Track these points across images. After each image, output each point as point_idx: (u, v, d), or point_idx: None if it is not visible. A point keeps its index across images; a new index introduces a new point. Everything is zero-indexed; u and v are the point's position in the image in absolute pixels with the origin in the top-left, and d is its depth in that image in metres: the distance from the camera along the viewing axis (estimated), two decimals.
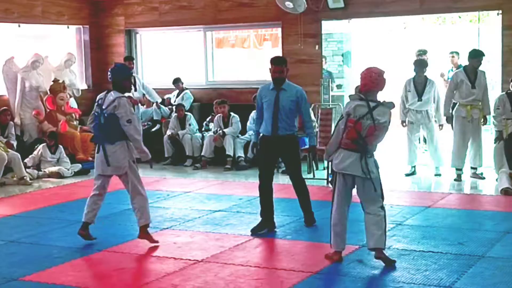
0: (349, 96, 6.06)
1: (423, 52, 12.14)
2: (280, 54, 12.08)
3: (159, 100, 12.45)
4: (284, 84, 7.19)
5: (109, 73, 6.69)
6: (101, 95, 6.70)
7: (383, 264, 5.83)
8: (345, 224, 5.94)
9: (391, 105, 5.83)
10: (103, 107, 6.54)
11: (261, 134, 7.33)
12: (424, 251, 6.24)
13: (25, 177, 10.25)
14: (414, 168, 10.30)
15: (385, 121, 5.76)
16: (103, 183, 6.87)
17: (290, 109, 7.11)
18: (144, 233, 6.70)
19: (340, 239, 5.94)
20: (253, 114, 11.74)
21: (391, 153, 11.41)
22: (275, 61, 7.27)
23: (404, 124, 10.29)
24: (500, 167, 9.36)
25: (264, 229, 7.08)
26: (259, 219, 7.24)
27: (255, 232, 7.01)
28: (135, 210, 6.73)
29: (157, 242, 6.69)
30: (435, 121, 10.34)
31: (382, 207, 5.87)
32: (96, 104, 6.71)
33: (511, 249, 6.27)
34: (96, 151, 6.79)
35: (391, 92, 15.61)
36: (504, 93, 9.70)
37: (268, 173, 7.30)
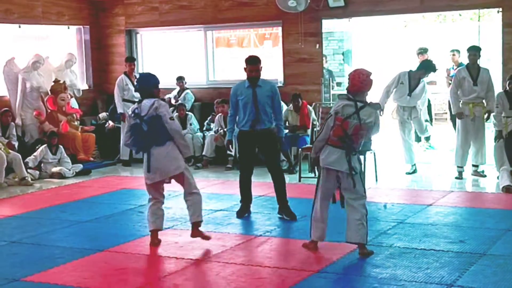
0: (338, 96, 6.20)
1: (424, 50, 12.14)
2: (281, 53, 12.13)
3: None
4: (259, 81, 7.61)
5: (136, 83, 6.71)
6: (134, 106, 6.61)
7: (384, 263, 5.83)
8: (326, 217, 6.21)
9: (377, 106, 6.21)
10: (142, 115, 6.42)
11: (237, 130, 7.80)
12: (426, 249, 6.23)
13: (26, 178, 10.26)
14: (415, 167, 10.28)
15: (371, 121, 6.01)
16: (159, 189, 6.78)
17: (267, 103, 7.55)
18: (196, 231, 6.66)
19: (321, 231, 6.21)
20: None
21: (392, 151, 11.41)
22: (250, 61, 7.69)
23: (382, 112, 9.77)
24: (501, 165, 9.36)
25: (245, 215, 7.76)
26: (260, 218, 7.37)
27: (239, 216, 7.72)
28: (188, 206, 6.72)
29: (209, 238, 6.66)
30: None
31: (364, 206, 6.07)
32: (131, 116, 6.52)
33: None
34: (145, 163, 6.63)
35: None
36: (502, 91, 9.71)
37: (249, 166, 7.85)
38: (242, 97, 7.58)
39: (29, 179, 10.32)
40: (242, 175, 7.84)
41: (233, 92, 7.73)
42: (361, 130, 5.97)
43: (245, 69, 7.67)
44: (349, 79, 6.12)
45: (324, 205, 6.20)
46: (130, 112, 6.64)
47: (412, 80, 10.09)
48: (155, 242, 6.61)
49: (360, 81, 5.98)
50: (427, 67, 10.25)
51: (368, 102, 6.02)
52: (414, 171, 10.24)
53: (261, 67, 7.68)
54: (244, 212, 7.80)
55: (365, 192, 6.14)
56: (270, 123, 7.63)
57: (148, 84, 6.58)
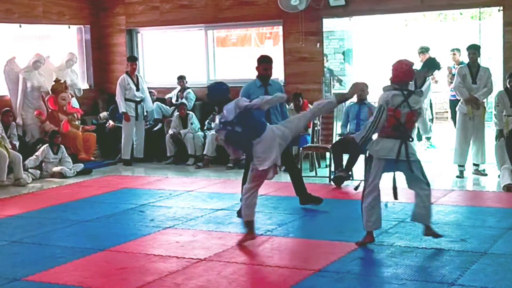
0: (383, 88, 6.32)
1: (425, 49, 12.13)
2: (282, 52, 12.12)
3: (150, 109, 12.39)
4: (270, 80, 7.80)
5: (208, 95, 6.67)
6: (218, 117, 6.51)
7: (385, 262, 5.83)
8: (380, 204, 6.33)
9: (421, 93, 6.46)
10: (230, 119, 6.33)
11: None
12: (427, 248, 6.23)
13: (21, 179, 10.22)
14: None
15: (420, 107, 6.29)
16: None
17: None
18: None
19: (376, 218, 6.27)
20: None
21: None
22: (263, 59, 7.81)
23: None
24: (502, 163, 9.35)
25: None
26: (261, 217, 7.32)
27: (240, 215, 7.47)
28: None
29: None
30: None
31: (427, 184, 6.31)
32: (220, 125, 6.41)
33: None
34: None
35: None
36: (502, 89, 9.70)
37: None
38: (255, 96, 7.34)
39: (28, 180, 10.29)
40: (246, 174, 7.74)
41: (245, 92, 7.68)
42: (413, 117, 6.18)
43: (257, 68, 7.77)
44: (392, 70, 6.28)
45: (377, 194, 6.28)
46: (214, 125, 6.60)
47: (418, 80, 10.02)
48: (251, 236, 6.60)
49: (402, 72, 6.21)
50: (430, 65, 10.25)
51: (413, 90, 6.28)
52: None
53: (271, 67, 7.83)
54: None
55: (424, 176, 6.30)
56: (278, 122, 7.59)
57: (221, 97, 6.52)
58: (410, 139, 6.20)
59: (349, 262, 5.87)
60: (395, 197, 6.37)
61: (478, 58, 9.77)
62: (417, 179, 6.26)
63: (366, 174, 6.37)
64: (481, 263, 5.76)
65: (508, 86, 9.57)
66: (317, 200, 7.98)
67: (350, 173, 9.44)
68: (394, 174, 6.33)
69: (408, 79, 6.28)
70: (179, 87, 12.56)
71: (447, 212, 7.73)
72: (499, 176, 9.25)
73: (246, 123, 6.32)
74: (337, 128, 10.37)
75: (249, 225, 6.61)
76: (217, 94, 6.59)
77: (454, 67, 12.31)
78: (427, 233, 6.37)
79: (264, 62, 7.79)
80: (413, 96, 6.18)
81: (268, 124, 6.56)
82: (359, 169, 9.38)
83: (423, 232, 6.39)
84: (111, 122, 12.53)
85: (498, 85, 9.99)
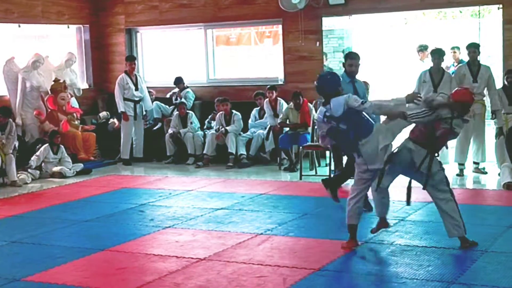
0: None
1: (424, 47, 12.12)
2: (281, 51, 12.11)
3: (149, 109, 12.36)
4: (355, 77, 7.63)
5: (318, 84, 6.29)
6: (323, 109, 6.18)
7: (385, 261, 5.82)
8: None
9: (466, 121, 6.29)
10: (337, 114, 6.03)
11: None
12: (427, 246, 6.22)
13: (16, 181, 10.14)
14: None
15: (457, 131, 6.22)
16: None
17: (363, 98, 7.09)
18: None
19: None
20: (254, 111, 11.76)
21: None
22: (348, 55, 7.68)
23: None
24: (502, 161, 9.34)
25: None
26: (262, 216, 7.29)
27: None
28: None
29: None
30: None
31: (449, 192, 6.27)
32: (324, 118, 6.14)
33: None
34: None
35: (391, 86, 15.56)
36: (500, 88, 9.69)
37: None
38: (344, 92, 7.08)
39: (23, 180, 10.24)
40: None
41: None
42: (449, 135, 6.16)
43: (343, 64, 7.67)
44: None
45: (386, 195, 6.39)
46: (321, 117, 6.19)
47: (435, 77, 9.70)
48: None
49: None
50: (437, 53, 9.98)
51: None
52: None
53: (359, 64, 7.63)
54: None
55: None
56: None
57: (334, 88, 6.17)
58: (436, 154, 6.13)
59: (349, 261, 5.86)
60: (408, 202, 6.34)
61: (478, 56, 9.74)
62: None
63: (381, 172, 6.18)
64: (482, 261, 5.75)
65: (506, 82, 9.57)
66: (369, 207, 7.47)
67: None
68: (410, 180, 6.30)
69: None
70: (177, 89, 12.56)
71: None
72: (499, 174, 9.24)
73: (353, 122, 6.03)
74: None
75: (351, 230, 6.25)
76: (327, 84, 6.21)
77: (453, 65, 12.29)
78: (463, 245, 6.12)
79: (349, 58, 7.61)
80: (458, 120, 6.07)
81: (375, 123, 6.23)
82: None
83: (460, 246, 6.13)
84: (116, 122, 12.49)
85: (498, 83, 9.97)
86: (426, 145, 6.07)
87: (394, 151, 6.15)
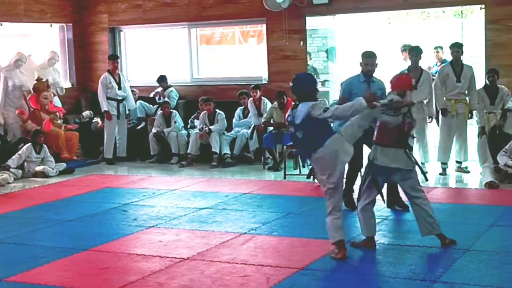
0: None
1: (407, 47, 12.15)
2: (265, 51, 12.12)
3: (132, 108, 12.33)
4: (373, 77, 7.49)
5: (294, 84, 6.14)
6: (288, 113, 6.11)
7: (368, 260, 5.84)
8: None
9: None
10: (296, 122, 5.87)
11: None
12: (410, 245, 6.25)
13: None
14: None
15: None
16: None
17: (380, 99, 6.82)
18: None
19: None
20: (238, 111, 11.75)
21: None
22: (364, 54, 7.51)
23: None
24: (484, 161, 9.41)
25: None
26: (245, 215, 7.28)
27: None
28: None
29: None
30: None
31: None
32: (287, 122, 6.28)
33: (495, 242, 6.31)
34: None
35: None
36: (481, 87, 9.75)
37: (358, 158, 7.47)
38: (356, 91, 7.12)
39: (6, 180, 10.14)
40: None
41: (348, 86, 7.51)
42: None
43: (360, 63, 7.54)
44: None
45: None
46: (287, 119, 6.13)
47: (413, 75, 9.66)
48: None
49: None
50: (414, 50, 9.93)
51: None
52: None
53: (377, 64, 7.54)
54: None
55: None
56: None
57: (307, 86, 6.03)
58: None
59: (332, 260, 5.86)
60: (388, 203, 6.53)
61: (461, 56, 9.78)
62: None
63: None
64: (464, 260, 5.78)
65: (488, 81, 9.64)
66: (405, 206, 7.49)
67: None
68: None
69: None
70: (160, 88, 12.53)
71: None
72: (481, 173, 9.29)
73: (308, 131, 5.86)
74: None
75: (337, 244, 5.92)
76: (302, 85, 6.01)
77: (436, 64, 12.35)
78: (444, 243, 6.14)
79: (365, 57, 7.45)
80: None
81: (333, 134, 5.93)
82: None
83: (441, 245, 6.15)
84: (100, 122, 12.43)
85: (481, 83, 10.04)
86: (398, 144, 6.06)
87: (368, 163, 6.17)
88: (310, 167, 8.97)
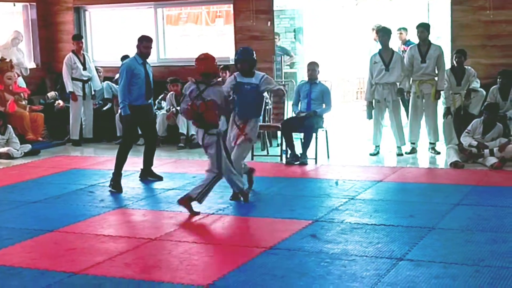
0: None
1: (379, 27, 12.17)
2: (233, 31, 12.05)
3: (98, 88, 12.19)
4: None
5: (243, 56, 7.44)
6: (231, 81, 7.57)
7: (336, 238, 5.88)
8: None
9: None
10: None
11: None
12: (376, 224, 6.31)
13: None
14: (379, 148, 10.12)
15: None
16: None
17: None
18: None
19: None
20: None
21: (345, 129, 11.48)
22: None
23: (372, 105, 9.82)
24: (449, 141, 9.51)
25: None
26: (213, 196, 7.29)
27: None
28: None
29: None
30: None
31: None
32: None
33: (460, 220, 6.39)
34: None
35: (348, 68, 15.69)
36: (448, 68, 9.83)
37: None
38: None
39: None
40: None
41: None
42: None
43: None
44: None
45: None
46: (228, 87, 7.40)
47: (385, 57, 9.68)
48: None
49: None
50: (382, 30, 9.98)
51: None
52: (378, 153, 9.94)
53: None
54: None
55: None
56: None
57: (253, 57, 7.46)
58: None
59: (300, 239, 5.90)
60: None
61: (428, 36, 9.80)
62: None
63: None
64: (429, 238, 5.85)
65: (455, 62, 9.72)
66: (159, 177, 8.55)
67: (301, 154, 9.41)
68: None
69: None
70: None
71: (396, 189, 7.85)
72: (446, 153, 9.37)
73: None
74: (288, 107, 10.40)
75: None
76: (252, 56, 7.43)
77: (400, 47, 12.39)
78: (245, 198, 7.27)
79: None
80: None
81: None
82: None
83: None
84: (60, 102, 12.29)
85: (447, 64, 10.10)
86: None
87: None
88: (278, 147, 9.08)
